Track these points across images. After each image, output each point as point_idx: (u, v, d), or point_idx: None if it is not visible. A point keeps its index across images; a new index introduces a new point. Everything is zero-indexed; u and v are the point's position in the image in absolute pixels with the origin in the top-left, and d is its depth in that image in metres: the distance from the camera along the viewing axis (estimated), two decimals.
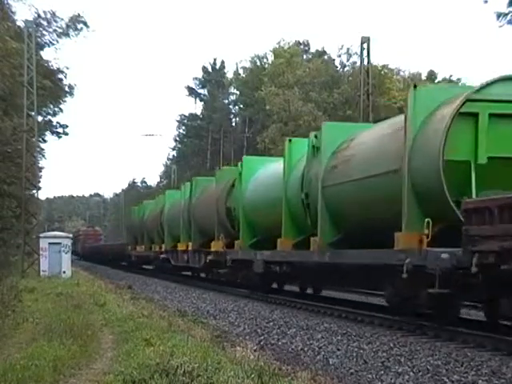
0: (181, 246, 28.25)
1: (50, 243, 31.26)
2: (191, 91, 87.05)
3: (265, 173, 20.16)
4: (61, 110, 47.13)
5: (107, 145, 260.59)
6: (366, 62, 34.26)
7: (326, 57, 65.01)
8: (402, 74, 63.15)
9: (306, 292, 19.25)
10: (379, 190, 12.49)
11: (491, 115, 10.81)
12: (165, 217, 32.43)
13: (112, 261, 52.09)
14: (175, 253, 29.56)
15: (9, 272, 27.08)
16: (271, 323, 13.26)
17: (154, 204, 38.23)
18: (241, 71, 76.27)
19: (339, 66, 63.67)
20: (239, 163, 21.55)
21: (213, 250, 22.57)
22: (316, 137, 15.58)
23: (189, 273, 30.82)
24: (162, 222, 32.82)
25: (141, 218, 40.17)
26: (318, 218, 14.74)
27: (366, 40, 33.41)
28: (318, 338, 11.10)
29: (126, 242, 46.08)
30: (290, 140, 18.23)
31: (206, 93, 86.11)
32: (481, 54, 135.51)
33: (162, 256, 31.97)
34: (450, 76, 60.73)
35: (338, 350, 10.02)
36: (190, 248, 26.67)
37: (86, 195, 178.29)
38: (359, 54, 36.05)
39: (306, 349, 10.27)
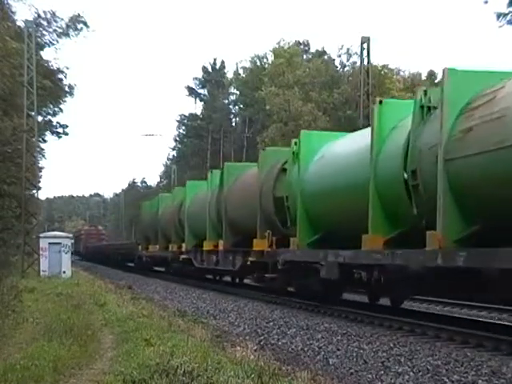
0: (207, 246, 24.16)
1: (50, 243, 31.27)
2: (191, 91, 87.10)
3: (334, 150, 15.26)
4: (61, 110, 47.15)
5: (107, 145, 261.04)
6: (366, 62, 34.31)
7: (326, 57, 65.01)
8: (402, 73, 63.23)
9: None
10: None
11: None
12: (185, 212, 28.05)
13: (118, 262, 49.04)
14: (199, 253, 25.46)
15: (9, 272, 27.05)
16: (271, 323, 13.26)
17: (170, 198, 33.45)
18: (241, 71, 76.33)
19: (339, 66, 63.71)
20: (293, 140, 16.73)
21: (255, 249, 18.74)
22: (426, 93, 11.49)
23: (213, 277, 27.26)
24: (182, 217, 28.66)
25: (154, 215, 35.64)
26: (436, 203, 10.28)
27: (366, 40, 33.44)
28: (318, 338, 11.09)
29: (136, 242, 41.97)
30: (380, 102, 13.24)
31: (206, 93, 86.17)
32: (481, 54, 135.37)
33: (183, 257, 27.70)
34: None
35: (338, 349, 10.02)
36: (220, 247, 22.39)
37: (86, 195, 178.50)
38: (359, 53, 36.15)
39: (306, 349, 10.27)
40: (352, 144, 14.64)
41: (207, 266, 24.51)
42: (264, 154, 20.08)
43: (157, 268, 36.95)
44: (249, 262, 19.40)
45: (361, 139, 13.79)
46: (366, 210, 12.42)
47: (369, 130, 13.29)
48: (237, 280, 25.08)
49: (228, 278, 25.94)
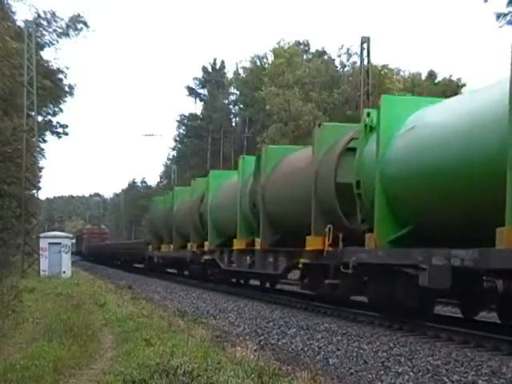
0: (238, 244, 20.48)
1: (50, 243, 31.27)
2: (191, 91, 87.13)
3: (430, 119, 11.79)
4: (61, 110, 47.16)
5: (107, 145, 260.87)
6: (366, 62, 34.30)
7: (326, 57, 65.02)
8: (402, 73, 63.28)
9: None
10: None
11: None
12: (208, 206, 24.25)
13: (124, 263, 46.34)
14: (227, 253, 22.00)
15: (9, 272, 27.07)
16: (271, 323, 13.26)
17: (188, 191, 29.47)
18: (241, 71, 76.35)
19: (339, 66, 63.73)
20: (366, 111, 13.75)
21: (308, 249, 15.17)
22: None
23: (244, 281, 23.50)
24: (204, 212, 24.97)
25: (167, 211, 32.01)
26: None
27: (366, 40, 33.45)
28: (318, 338, 11.09)
29: (147, 241, 38.22)
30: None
31: (206, 93, 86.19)
32: (481, 54, 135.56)
33: (205, 258, 23.93)
34: (450, 76, 60.71)
35: (338, 349, 10.02)
36: (257, 246, 18.74)
37: (86, 195, 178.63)
38: (359, 53, 36.14)
39: (306, 349, 10.27)
40: (459, 108, 11.34)
41: (238, 268, 20.80)
42: (321, 130, 16.05)
43: (170, 270, 34.43)
44: (300, 265, 15.66)
45: (470, 102, 11.18)
46: (491, 194, 9.28)
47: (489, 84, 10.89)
48: (267, 285, 21.91)
49: (255, 282, 22.85)
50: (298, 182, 16.35)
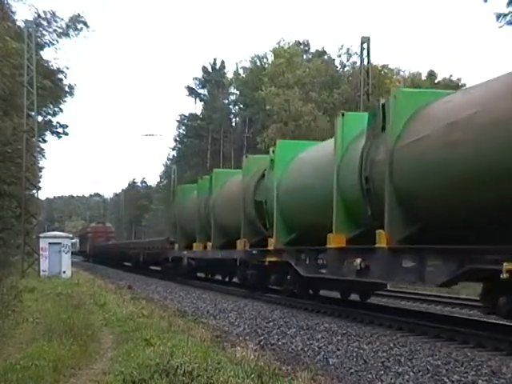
0: (336, 241, 14.13)
1: (50, 243, 31.27)
2: (191, 91, 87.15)
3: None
4: (61, 110, 47.20)
5: (107, 145, 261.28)
6: (366, 62, 34.30)
7: (326, 57, 65.04)
8: (402, 74, 63.27)
9: None
10: None
11: None
12: (274, 191, 17.63)
13: (139, 265, 40.40)
14: (311, 254, 15.60)
15: (9, 272, 27.08)
16: (271, 323, 13.26)
17: (235, 174, 23.76)
18: (241, 71, 76.37)
19: (339, 66, 63.74)
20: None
21: None
22: None
23: (344, 295, 17.25)
24: (264, 200, 18.56)
25: (203, 200, 25.88)
26: None
27: (366, 40, 33.44)
28: (318, 338, 11.10)
29: (170, 239, 31.78)
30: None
31: (206, 93, 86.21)
32: (481, 54, 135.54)
33: (271, 259, 17.79)
34: (450, 76, 60.74)
35: (338, 350, 10.02)
36: (382, 244, 12.17)
37: (86, 195, 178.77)
38: (359, 53, 36.12)
39: (306, 349, 10.27)
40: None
41: (337, 275, 14.30)
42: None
43: (201, 274, 29.41)
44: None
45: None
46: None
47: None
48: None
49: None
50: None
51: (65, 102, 46.72)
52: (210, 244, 24.17)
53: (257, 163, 20.63)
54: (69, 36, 43.20)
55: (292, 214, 17.03)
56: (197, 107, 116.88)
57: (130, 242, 52.70)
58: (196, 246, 26.24)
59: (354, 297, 16.85)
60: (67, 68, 44.03)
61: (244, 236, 20.24)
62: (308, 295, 16.90)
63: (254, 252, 19.37)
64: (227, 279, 26.61)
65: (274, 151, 18.41)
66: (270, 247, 17.75)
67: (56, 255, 31.01)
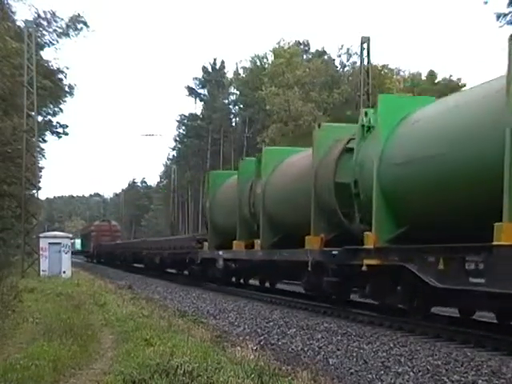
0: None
1: (49, 243, 31.26)
2: (191, 91, 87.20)
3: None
4: (61, 110, 47.23)
5: (107, 145, 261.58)
6: (366, 62, 34.31)
7: (326, 57, 65.06)
8: (402, 73, 63.31)
9: None
10: None
11: None
12: (374, 169, 12.58)
13: (152, 266, 35.85)
14: (462, 255, 10.05)
15: (9, 272, 27.06)
16: (271, 323, 13.26)
17: (295, 152, 19.44)
18: (241, 71, 76.39)
19: (339, 66, 63.77)
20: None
21: None
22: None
23: None
24: (358, 181, 13.35)
25: (243, 189, 21.00)
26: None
27: (366, 40, 33.45)
28: (318, 338, 11.09)
29: (198, 237, 27.04)
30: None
31: (206, 93, 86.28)
32: (481, 54, 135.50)
33: (369, 263, 12.58)
34: (450, 76, 60.72)
35: (338, 349, 10.02)
36: None
37: (86, 195, 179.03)
38: (359, 54, 36.14)
39: (306, 349, 10.27)
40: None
41: None
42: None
43: (231, 279, 23.94)
44: None
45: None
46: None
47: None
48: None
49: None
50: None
51: (65, 102, 46.81)
52: (258, 242, 19.07)
53: (334, 133, 15.92)
54: (69, 36, 43.27)
55: (406, 198, 11.93)
56: (197, 107, 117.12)
57: (144, 240, 44.11)
58: (237, 245, 21.12)
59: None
60: (67, 68, 44.11)
61: (317, 231, 15.38)
62: (426, 314, 12.18)
63: (334, 252, 14.17)
64: (267, 285, 22.06)
65: None
66: (368, 245, 12.63)
67: (56, 255, 31.01)
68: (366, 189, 12.78)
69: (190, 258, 26.45)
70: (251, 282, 23.44)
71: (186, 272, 29.30)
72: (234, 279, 23.88)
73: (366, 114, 13.63)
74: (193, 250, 25.91)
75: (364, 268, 12.63)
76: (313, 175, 15.60)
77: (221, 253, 22.41)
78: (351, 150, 13.98)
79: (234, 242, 21.25)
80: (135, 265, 42.97)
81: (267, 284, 22.12)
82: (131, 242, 53.57)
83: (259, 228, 19.16)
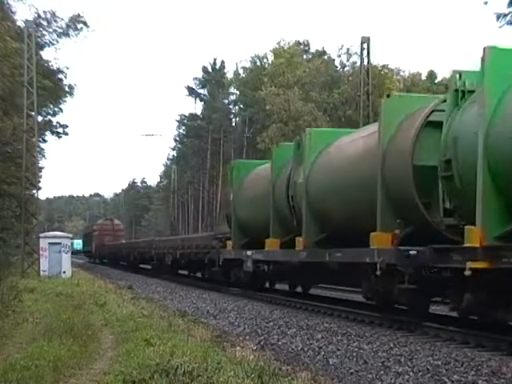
0: None
1: (49, 243, 31.27)
2: (191, 91, 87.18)
3: None
4: (61, 110, 47.19)
5: (107, 145, 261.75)
6: (366, 62, 34.29)
7: (325, 57, 65.08)
8: (402, 73, 63.36)
9: None
10: None
11: None
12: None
13: (165, 268, 31.83)
14: None
15: (9, 272, 27.06)
16: (271, 323, 13.25)
17: (345, 133, 16.60)
18: (241, 71, 76.40)
19: (339, 66, 63.77)
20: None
21: None
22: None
23: None
24: (458, 158, 10.18)
25: (279, 179, 18.08)
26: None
27: (366, 40, 33.44)
28: (318, 338, 11.09)
29: (218, 235, 23.46)
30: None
31: (206, 93, 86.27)
32: (481, 54, 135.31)
33: (477, 266, 9.41)
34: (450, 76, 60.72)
35: (338, 350, 10.01)
36: None
37: (86, 195, 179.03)
38: (359, 54, 36.12)
39: (306, 349, 10.27)
40: None
41: None
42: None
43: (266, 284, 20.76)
44: None
45: None
46: None
47: None
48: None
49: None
50: None
51: (65, 101, 46.75)
52: (299, 240, 15.84)
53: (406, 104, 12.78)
54: (69, 36, 43.20)
55: None
56: (197, 107, 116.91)
57: (153, 239, 39.15)
58: (270, 244, 17.73)
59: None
60: (67, 68, 44.07)
61: (385, 226, 12.32)
62: None
63: (412, 252, 11.32)
64: (299, 289, 19.50)
65: None
66: (472, 244, 9.70)
67: (56, 255, 31.02)
68: (465, 171, 9.95)
69: (209, 258, 23.24)
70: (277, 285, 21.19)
71: (201, 274, 27.45)
72: (265, 284, 20.54)
73: (459, 76, 10.93)
74: (212, 249, 22.87)
75: (467, 273, 9.51)
76: (380, 158, 12.40)
77: (249, 253, 18.82)
78: (435, 123, 11.43)
79: (267, 240, 17.67)
80: (142, 266, 40.53)
81: (299, 289, 19.45)
82: (138, 241, 48.83)
83: (301, 223, 15.99)
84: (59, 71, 43.58)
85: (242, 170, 21.90)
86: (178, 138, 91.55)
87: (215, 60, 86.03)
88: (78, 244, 78.80)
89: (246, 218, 20.67)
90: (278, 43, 61.16)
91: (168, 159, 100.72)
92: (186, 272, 30.81)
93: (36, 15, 41.24)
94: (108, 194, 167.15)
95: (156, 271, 34.47)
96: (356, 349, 9.97)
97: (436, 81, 61.14)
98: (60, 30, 43.04)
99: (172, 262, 30.23)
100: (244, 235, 20.65)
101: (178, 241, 31.45)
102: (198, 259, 25.17)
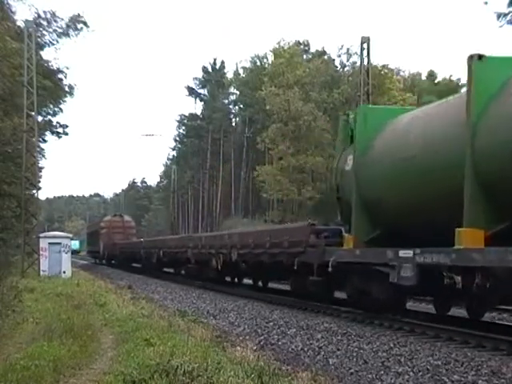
0: None
1: (49, 243, 31.29)
2: (191, 91, 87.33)
3: None
4: (61, 110, 47.19)
5: (107, 145, 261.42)
6: (365, 62, 34.28)
7: (325, 57, 65.15)
8: (402, 73, 63.45)
9: None
10: None
11: None
12: None
13: (212, 275, 22.92)
14: None
15: (9, 272, 27.04)
16: (271, 323, 13.25)
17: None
18: (241, 71, 76.57)
19: (339, 66, 63.83)
20: None
21: None
22: None
23: None
24: None
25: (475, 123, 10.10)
26: None
27: (365, 40, 33.43)
28: (318, 338, 11.09)
29: (316, 226, 15.10)
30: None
31: (206, 93, 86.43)
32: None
33: None
34: (450, 76, 60.84)
35: (338, 350, 10.01)
36: None
37: (86, 195, 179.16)
38: (359, 54, 36.13)
39: (306, 349, 10.27)
40: None
41: None
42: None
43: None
44: None
45: None
46: None
47: None
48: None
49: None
50: None
51: (65, 102, 46.76)
52: None
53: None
54: (69, 36, 43.22)
55: None
56: (197, 107, 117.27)
57: (190, 236, 29.88)
58: (469, 236, 9.89)
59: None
60: (67, 68, 44.07)
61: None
62: None
63: None
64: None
65: None
66: None
67: (56, 255, 31.03)
68: None
69: (300, 262, 15.05)
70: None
71: (293, 287, 17.52)
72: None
73: None
74: (310, 248, 14.73)
75: None
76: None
77: (407, 253, 11.12)
78: None
79: (460, 230, 9.93)
80: (164, 269, 33.63)
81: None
82: (165, 238, 37.79)
83: None
84: (59, 71, 43.61)
85: (372, 120, 13.99)
86: (178, 138, 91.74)
87: (215, 60, 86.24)
88: (75, 245, 77.49)
89: (382, 199, 12.93)
90: (278, 43, 61.34)
91: (168, 159, 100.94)
92: (251, 281, 22.13)
93: (36, 15, 41.30)
94: (108, 194, 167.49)
95: (192, 277, 26.33)
96: (356, 349, 9.97)
97: (436, 81, 61.13)
98: (60, 30, 43.08)
99: (225, 266, 21.22)
100: (373, 226, 13.40)
101: (235, 237, 20.66)
102: (278, 263, 16.64)
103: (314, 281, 14.65)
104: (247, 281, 22.91)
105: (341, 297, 15.26)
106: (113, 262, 49.18)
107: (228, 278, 23.92)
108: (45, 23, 42.33)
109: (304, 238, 15.27)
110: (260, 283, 21.54)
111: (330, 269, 13.40)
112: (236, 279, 23.73)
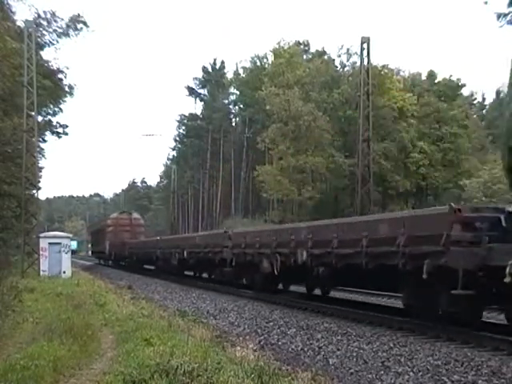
0: None
1: (49, 243, 31.30)
2: (191, 91, 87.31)
3: None
4: (61, 110, 47.21)
5: (107, 145, 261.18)
6: (365, 62, 34.29)
7: (325, 57, 65.16)
8: (402, 73, 63.39)
9: None
10: None
11: None
12: None
13: (267, 283, 18.00)
14: None
15: (9, 272, 27.05)
16: (271, 323, 13.25)
17: None
18: (241, 71, 76.56)
19: (339, 66, 63.84)
20: None
21: None
22: None
23: None
24: None
25: None
26: None
27: (365, 40, 33.45)
28: (318, 338, 11.09)
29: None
30: None
31: (206, 93, 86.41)
32: (481, 54, 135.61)
33: None
34: (450, 76, 60.78)
35: (338, 350, 10.01)
36: None
37: (86, 195, 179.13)
38: (359, 54, 36.15)
39: (306, 349, 10.27)
40: None
41: None
42: None
43: None
44: None
45: None
46: None
47: None
48: None
49: None
50: None
51: (65, 102, 46.79)
52: None
53: None
54: (69, 36, 43.25)
55: None
56: (197, 107, 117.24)
57: (226, 232, 21.43)
58: None
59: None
60: (67, 68, 44.16)
61: None
62: None
63: None
64: None
65: None
66: None
67: (56, 255, 31.04)
68: None
69: (435, 267, 10.24)
70: None
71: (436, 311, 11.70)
72: None
73: None
74: (453, 245, 9.88)
75: None
76: None
77: None
78: None
79: None
80: (186, 272, 29.35)
81: None
82: (188, 236, 33.51)
83: None
84: (59, 71, 43.62)
85: None
86: (178, 138, 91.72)
87: (215, 60, 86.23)
88: (73, 245, 76.82)
89: None
90: (278, 43, 61.30)
91: (168, 159, 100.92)
92: (319, 292, 17.50)
93: (36, 15, 41.31)
94: (108, 194, 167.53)
95: (230, 284, 21.73)
96: (356, 349, 9.96)
97: (436, 81, 61.09)
98: (60, 30, 43.11)
99: (281, 269, 16.28)
100: None
101: (303, 232, 15.24)
102: (384, 269, 11.77)
103: (459, 296, 9.63)
104: (295, 287, 18.81)
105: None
106: (122, 263, 44.64)
107: (290, 286, 19.08)
108: (45, 23, 42.37)
109: (442, 231, 10.03)
110: (320, 291, 16.97)
111: (507, 279, 8.63)
112: (287, 286, 19.01)
